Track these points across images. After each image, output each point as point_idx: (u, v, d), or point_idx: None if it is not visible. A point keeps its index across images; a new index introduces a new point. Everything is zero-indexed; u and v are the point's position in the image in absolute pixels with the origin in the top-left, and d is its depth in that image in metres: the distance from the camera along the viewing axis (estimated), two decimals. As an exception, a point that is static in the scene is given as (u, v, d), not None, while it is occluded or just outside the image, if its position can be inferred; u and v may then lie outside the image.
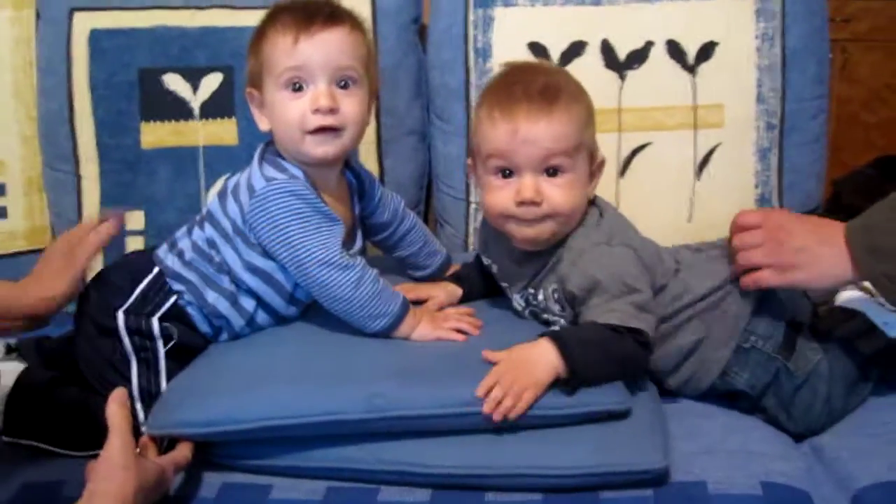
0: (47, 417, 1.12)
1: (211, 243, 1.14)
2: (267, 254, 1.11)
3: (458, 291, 1.24)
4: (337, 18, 1.11)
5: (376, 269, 1.11)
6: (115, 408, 0.92)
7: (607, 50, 1.47)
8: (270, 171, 1.11)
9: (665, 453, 0.98)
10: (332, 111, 1.09)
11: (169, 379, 1.12)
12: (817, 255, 1.05)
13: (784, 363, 1.11)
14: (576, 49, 1.48)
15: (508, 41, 1.50)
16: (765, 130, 1.48)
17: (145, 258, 1.18)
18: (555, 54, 1.48)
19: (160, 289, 1.14)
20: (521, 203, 1.06)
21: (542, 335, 1.01)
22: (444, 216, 1.58)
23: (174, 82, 1.50)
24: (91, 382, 1.14)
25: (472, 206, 1.53)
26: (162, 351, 1.13)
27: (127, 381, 1.11)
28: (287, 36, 1.09)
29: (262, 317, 1.17)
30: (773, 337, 1.12)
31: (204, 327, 1.16)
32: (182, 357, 1.14)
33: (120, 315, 1.12)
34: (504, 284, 1.18)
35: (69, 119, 1.52)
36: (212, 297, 1.14)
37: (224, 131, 1.50)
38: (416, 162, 1.58)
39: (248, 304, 1.15)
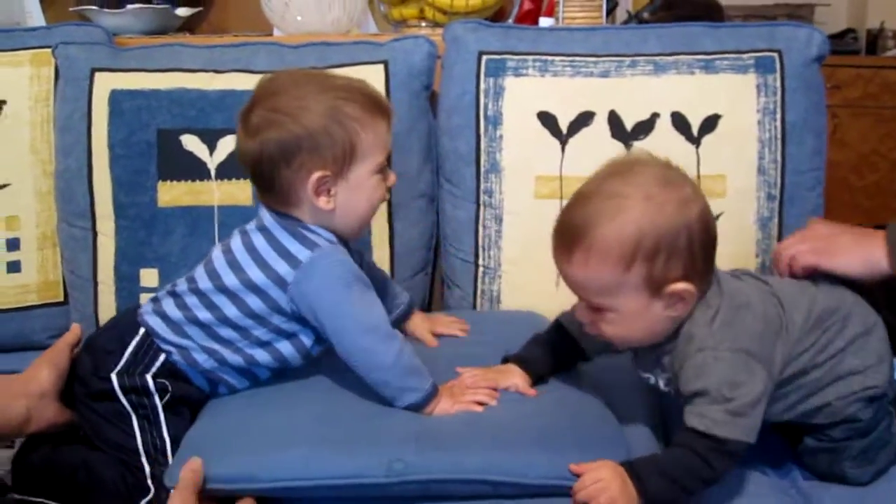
0: (55, 475, 1.14)
1: (224, 319, 1.14)
2: (296, 320, 1.14)
3: (526, 377, 1.18)
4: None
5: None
6: (187, 471, 0.97)
7: (614, 120, 1.51)
8: (311, 239, 1.13)
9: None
10: None
11: (170, 431, 1.13)
12: (854, 243, 1.14)
13: (890, 413, 1.14)
14: (584, 119, 1.52)
15: (518, 110, 1.54)
16: (765, 200, 1.51)
17: (131, 317, 1.19)
18: (563, 124, 1.52)
19: (149, 347, 1.15)
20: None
21: (623, 464, 1.00)
22: (452, 278, 1.60)
23: (191, 143, 1.53)
24: (96, 443, 1.15)
25: (481, 268, 1.55)
26: (160, 405, 1.14)
27: (131, 438, 1.12)
28: (383, 125, 1.16)
29: (264, 373, 1.18)
30: (891, 387, 1.15)
31: (199, 381, 1.17)
32: (180, 409, 1.15)
33: (114, 377, 1.13)
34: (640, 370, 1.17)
35: (87, 176, 1.54)
36: (202, 358, 1.15)
37: (239, 191, 1.53)
38: (425, 224, 1.61)
39: (257, 365, 1.16)
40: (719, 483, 1.03)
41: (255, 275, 1.13)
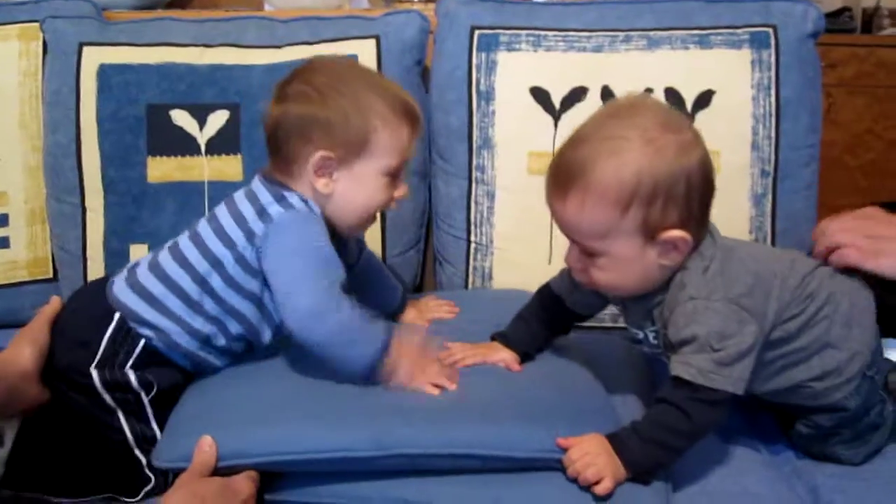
0: (52, 468, 1.13)
1: (196, 276, 1.12)
2: (263, 281, 1.12)
3: (513, 353, 1.17)
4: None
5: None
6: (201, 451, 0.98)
7: (608, 96, 1.50)
8: (289, 200, 1.12)
9: (667, 498, 1.00)
10: None
11: (158, 422, 1.12)
12: None
13: (883, 400, 1.14)
14: (577, 94, 1.51)
15: (511, 85, 1.53)
16: (759, 177, 1.51)
17: (102, 299, 1.14)
18: (556, 99, 1.51)
19: (127, 333, 1.12)
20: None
21: (608, 436, 1.00)
22: (444, 255, 1.59)
23: (181, 118, 1.52)
24: (83, 436, 1.13)
25: (473, 244, 1.55)
26: (146, 400, 1.12)
27: (118, 432, 1.12)
28: (406, 132, 1.15)
29: (238, 346, 1.17)
30: (880, 372, 1.14)
31: (182, 361, 1.15)
32: (168, 398, 1.13)
33: (94, 372, 1.11)
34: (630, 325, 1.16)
35: (76, 152, 1.53)
36: (184, 340, 1.13)
37: (229, 167, 1.52)
38: (417, 201, 1.60)
39: (228, 335, 1.14)
40: (704, 435, 1.02)
41: (228, 225, 1.12)
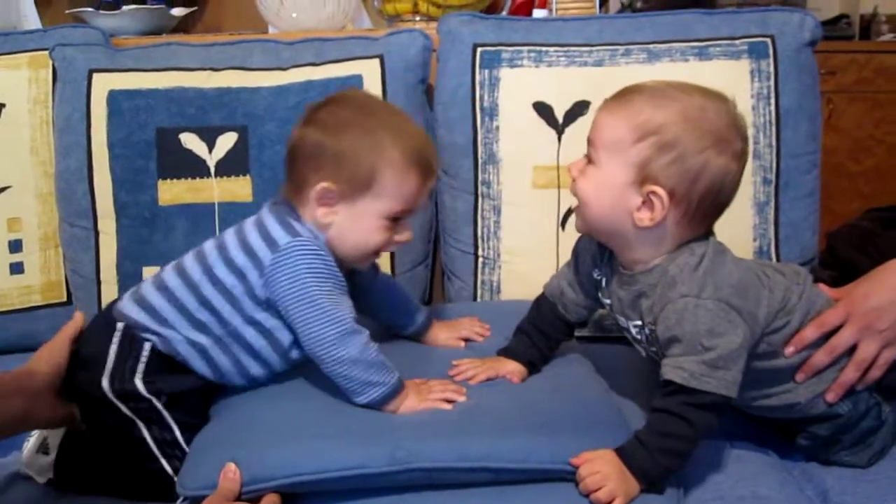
0: (97, 475, 1.16)
1: (202, 300, 1.13)
2: (270, 311, 1.12)
3: (520, 366, 1.20)
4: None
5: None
6: (225, 479, 0.99)
7: (609, 109, 1.52)
8: (295, 228, 1.13)
9: (678, 503, 1.02)
10: None
11: (179, 426, 1.13)
12: None
13: (878, 403, 1.15)
14: (579, 108, 1.53)
15: (514, 100, 1.55)
16: (761, 185, 1.52)
17: (107, 317, 1.17)
18: (559, 113, 1.53)
19: (132, 340, 1.14)
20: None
21: (617, 450, 1.01)
22: (452, 269, 1.61)
23: (190, 141, 1.54)
24: (114, 448, 1.15)
25: (480, 259, 1.57)
26: (160, 405, 1.13)
27: (142, 442, 1.13)
28: (415, 181, 1.15)
29: (256, 370, 1.17)
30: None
31: (197, 364, 1.15)
32: (183, 401, 1.14)
33: (104, 384, 1.12)
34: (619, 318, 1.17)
35: (87, 177, 1.55)
36: (185, 349, 1.13)
37: (239, 188, 1.54)
38: (424, 216, 1.61)
39: (231, 355, 1.15)
40: (708, 435, 1.04)
41: (237, 255, 1.13)
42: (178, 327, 1.13)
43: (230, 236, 1.16)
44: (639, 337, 1.13)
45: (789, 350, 1.12)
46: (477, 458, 1.00)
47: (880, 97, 3.13)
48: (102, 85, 1.56)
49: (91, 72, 1.57)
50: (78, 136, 1.56)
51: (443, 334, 1.33)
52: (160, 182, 1.54)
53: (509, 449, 1.01)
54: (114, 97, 1.55)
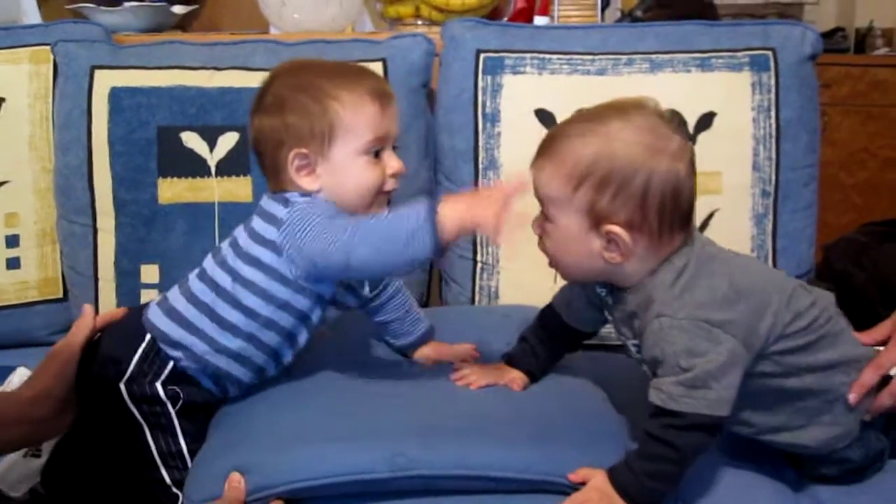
0: (87, 483, 1.15)
1: (220, 290, 1.13)
2: (286, 282, 1.11)
3: (522, 375, 1.18)
4: (393, 93, 1.18)
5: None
6: (230, 488, 0.99)
7: (611, 118, 1.53)
8: (290, 199, 1.12)
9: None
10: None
11: (185, 436, 1.13)
12: None
13: (887, 444, 1.13)
14: (581, 117, 1.53)
15: (516, 107, 1.55)
16: (760, 197, 1.53)
17: (136, 321, 1.17)
18: (560, 121, 1.52)
19: (157, 354, 1.14)
20: None
21: (609, 472, 1.00)
22: (450, 275, 1.61)
23: (191, 140, 1.54)
24: (111, 454, 1.15)
25: (479, 265, 1.57)
26: (173, 413, 1.13)
27: (145, 448, 1.12)
28: (374, 105, 1.13)
29: (271, 367, 1.17)
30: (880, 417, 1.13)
31: (208, 384, 1.16)
32: (194, 413, 1.14)
33: (122, 387, 1.12)
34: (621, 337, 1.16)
35: (87, 173, 1.54)
36: (213, 357, 1.13)
37: (239, 188, 1.54)
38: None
39: (262, 346, 1.14)
40: (697, 457, 1.01)
41: (252, 248, 1.12)
42: (203, 328, 1.13)
43: (241, 234, 1.16)
44: (638, 356, 1.11)
45: (852, 397, 1.08)
46: (477, 466, 1.00)
47: (874, 111, 3.15)
48: (104, 82, 1.56)
49: (93, 68, 1.57)
50: (78, 132, 1.55)
51: (425, 350, 1.30)
52: (160, 180, 1.54)
53: (510, 458, 1.00)
54: (115, 94, 1.55)
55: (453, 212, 1.01)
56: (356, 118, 1.12)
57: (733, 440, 1.19)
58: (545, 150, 1.07)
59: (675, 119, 1.06)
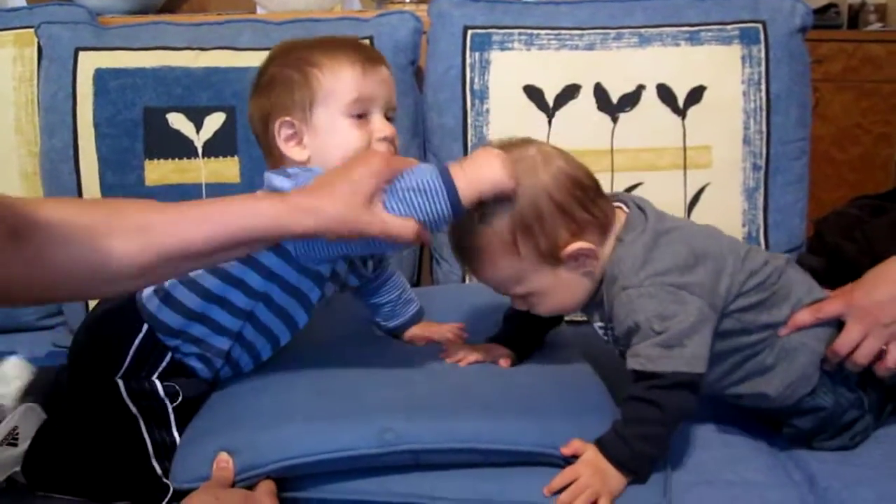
0: (69, 471, 1.12)
1: (224, 275, 1.11)
2: (288, 259, 1.10)
3: (509, 352, 1.19)
4: (383, 59, 1.16)
5: None
6: (219, 468, 0.98)
7: (600, 93, 1.52)
8: (290, 172, 1.10)
9: (665, 489, 1.01)
10: (392, 141, 1.13)
11: (179, 429, 1.11)
12: None
13: (862, 395, 1.13)
14: (570, 92, 1.53)
15: (504, 83, 1.54)
16: (751, 171, 1.53)
17: (130, 312, 1.13)
18: (550, 97, 1.52)
19: (154, 346, 1.12)
20: None
21: (597, 442, 1.00)
22: (441, 253, 1.61)
23: (178, 121, 1.53)
24: (101, 443, 1.12)
25: (469, 243, 1.56)
26: (170, 408, 1.12)
27: (139, 441, 1.11)
28: (354, 68, 1.11)
29: (265, 349, 1.16)
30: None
31: (205, 374, 1.15)
32: (188, 408, 1.12)
33: (120, 382, 1.11)
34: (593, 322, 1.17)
35: (73, 156, 1.54)
36: (214, 340, 1.12)
37: (226, 169, 1.53)
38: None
39: (255, 336, 1.14)
40: (684, 417, 1.03)
41: None
42: (208, 314, 1.11)
43: None
44: (605, 338, 1.13)
45: (783, 331, 1.11)
46: (465, 438, 0.99)
47: (867, 86, 3.14)
48: (89, 63, 1.55)
49: (77, 50, 1.55)
50: (63, 115, 1.54)
51: (414, 330, 1.31)
52: (147, 162, 1.53)
53: (498, 430, 1.00)
54: (100, 76, 1.54)
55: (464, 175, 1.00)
56: (336, 82, 1.11)
57: (724, 414, 1.19)
58: (466, 258, 1.09)
59: (516, 139, 1.08)
